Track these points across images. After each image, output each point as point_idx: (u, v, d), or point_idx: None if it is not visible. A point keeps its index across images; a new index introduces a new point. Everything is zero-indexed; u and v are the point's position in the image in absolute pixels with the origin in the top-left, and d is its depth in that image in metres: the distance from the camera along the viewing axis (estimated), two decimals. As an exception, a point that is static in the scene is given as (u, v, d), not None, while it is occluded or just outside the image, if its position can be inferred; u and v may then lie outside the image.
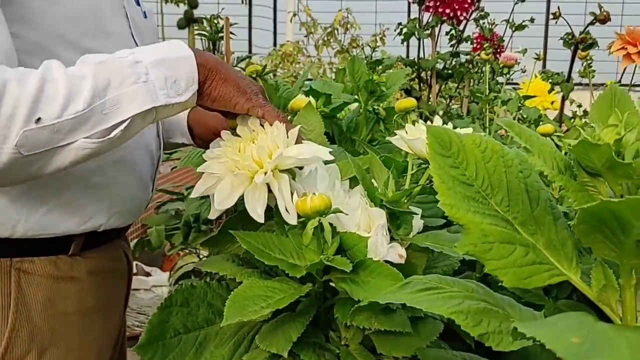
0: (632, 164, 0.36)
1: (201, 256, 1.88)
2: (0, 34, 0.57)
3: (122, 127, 0.56)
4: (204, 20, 1.72)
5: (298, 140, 0.60)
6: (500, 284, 0.51)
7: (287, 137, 0.57)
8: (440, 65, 1.61)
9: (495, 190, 0.45)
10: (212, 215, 0.59)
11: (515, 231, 0.44)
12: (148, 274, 2.56)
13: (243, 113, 0.64)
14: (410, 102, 0.74)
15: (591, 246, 0.38)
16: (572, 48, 1.23)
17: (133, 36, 0.76)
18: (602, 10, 1.17)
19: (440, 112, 1.76)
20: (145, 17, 0.83)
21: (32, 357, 0.68)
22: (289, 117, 0.69)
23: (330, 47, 3.71)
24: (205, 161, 0.62)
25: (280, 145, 0.56)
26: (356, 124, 1.08)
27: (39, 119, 0.52)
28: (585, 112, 1.48)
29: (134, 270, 2.62)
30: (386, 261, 0.55)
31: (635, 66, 1.39)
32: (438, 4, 1.42)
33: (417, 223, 0.66)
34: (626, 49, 1.26)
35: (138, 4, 0.82)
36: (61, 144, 0.54)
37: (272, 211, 0.60)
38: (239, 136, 0.63)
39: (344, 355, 0.60)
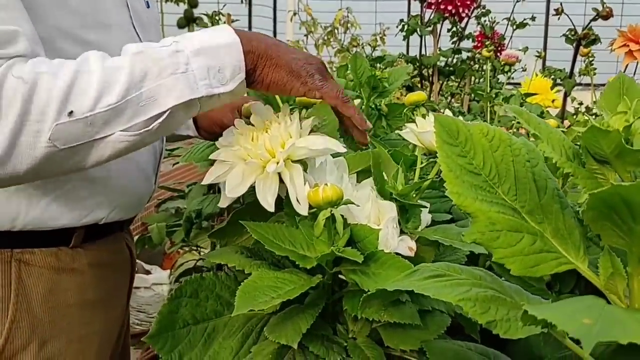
0: (641, 151, 0.36)
1: (202, 253, 1.89)
2: (22, 20, 0.56)
3: (160, 119, 0.55)
4: (205, 17, 1.72)
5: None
6: (503, 278, 0.52)
7: (355, 113, 0.57)
8: (441, 63, 1.61)
9: (503, 179, 0.45)
10: (222, 204, 0.59)
11: (523, 220, 0.44)
12: (148, 272, 2.55)
13: (300, 97, 0.62)
14: (421, 95, 0.75)
15: (600, 233, 0.38)
16: (574, 44, 1.23)
17: (134, 27, 0.75)
18: (605, 6, 1.17)
19: (442, 110, 1.77)
20: (148, 6, 0.82)
21: (33, 349, 0.68)
22: (301, 109, 0.69)
23: (331, 47, 3.71)
24: (208, 156, 0.61)
25: (293, 136, 0.56)
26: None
27: (71, 112, 0.52)
28: (587, 109, 1.49)
29: (135, 269, 2.59)
30: (396, 254, 0.56)
31: (637, 64, 1.40)
32: (440, 0, 1.43)
33: (425, 217, 0.66)
34: (628, 46, 1.26)
35: None
36: (97, 137, 0.54)
37: (281, 203, 0.60)
38: (252, 125, 0.62)
39: (352, 348, 0.60)
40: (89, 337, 0.75)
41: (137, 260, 2.54)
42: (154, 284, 2.45)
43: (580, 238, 0.44)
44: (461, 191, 0.44)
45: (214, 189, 1.41)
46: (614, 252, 0.42)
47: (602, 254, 0.42)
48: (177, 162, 1.37)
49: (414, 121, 0.67)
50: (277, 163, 0.54)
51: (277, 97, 0.78)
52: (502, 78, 1.85)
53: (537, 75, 1.75)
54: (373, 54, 2.54)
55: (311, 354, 0.57)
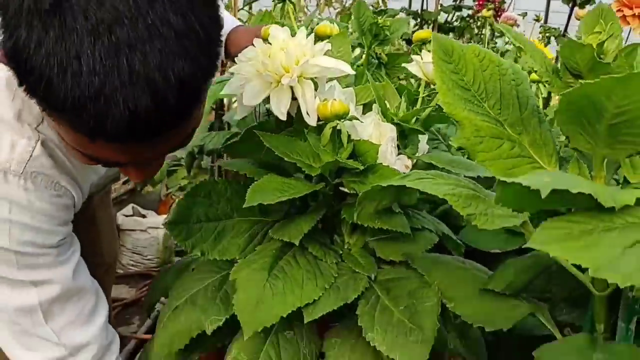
0: (611, 65, 0.42)
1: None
2: None
3: None
4: None
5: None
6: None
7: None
8: (442, 18, 1.65)
9: (490, 95, 0.51)
10: (239, 115, 0.65)
11: (504, 129, 0.50)
12: (143, 216, 2.61)
13: None
14: (427, 33, 0.80)
15: (569, 136, 0.44)
16: (570, 4, 1.28)
17: None
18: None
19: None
20: None
21: None
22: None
23: (332, 7, 3.70)
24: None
25: (307, 54, 0.60)
26: (356, 69, 1.14)
27: None
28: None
29: (130, 212, 2.64)
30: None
31: (630, 29, 1.45)
32: (444, -44, 1.46)
33: (423, 146, 0.72)
34: (622, 11, 1.31)
35: None
36: None
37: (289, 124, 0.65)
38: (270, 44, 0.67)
39: (346, 255, 0.67)
40: None
41: (133, 205, 2.60)
42: (149, 227, 2.51)
43: (553, 148, 0.50)
44: (452, 102, 0.50)
45: (215, 128, 1.47)
46: (581, 160, 0.49)
47: (571, 161, 0.49)
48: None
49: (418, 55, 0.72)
50: (291, 77, 0.59)
51: (294, 24, 0.82)
52: (499, 42, 1.90)
53: (534, 41, 1.80)
54: (375, 14, 2.55)
55: (310, 254, 0.64)
